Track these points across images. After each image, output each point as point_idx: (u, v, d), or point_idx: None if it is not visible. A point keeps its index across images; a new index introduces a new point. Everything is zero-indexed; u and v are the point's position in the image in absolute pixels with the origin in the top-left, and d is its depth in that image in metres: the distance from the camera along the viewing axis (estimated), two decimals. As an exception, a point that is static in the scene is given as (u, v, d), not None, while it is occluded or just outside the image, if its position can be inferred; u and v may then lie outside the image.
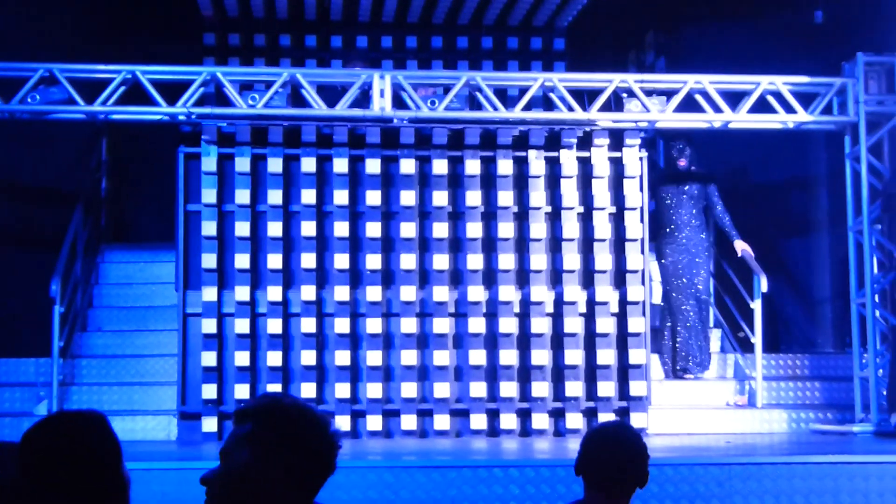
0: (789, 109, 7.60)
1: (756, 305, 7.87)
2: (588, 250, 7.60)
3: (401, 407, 7.35)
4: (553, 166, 7.64)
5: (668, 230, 7.96)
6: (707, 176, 7.97)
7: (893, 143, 7.69)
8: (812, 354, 8.37)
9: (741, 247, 7.86)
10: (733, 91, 7.68)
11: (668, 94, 7.58)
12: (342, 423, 7.35)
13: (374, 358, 7.35)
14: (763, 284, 7.74)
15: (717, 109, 7.57)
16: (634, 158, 7.63)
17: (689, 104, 7.61)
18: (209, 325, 7.28)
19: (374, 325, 7.38)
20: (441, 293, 7.44)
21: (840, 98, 7.69)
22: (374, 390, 7.32)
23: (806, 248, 9.00)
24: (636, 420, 7.31)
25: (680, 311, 7.95)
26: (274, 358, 7.30)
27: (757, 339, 7.84)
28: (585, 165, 7.66)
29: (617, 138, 7.66)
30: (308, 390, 7.29)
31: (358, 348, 7.35)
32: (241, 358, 7.28)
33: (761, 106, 7.57)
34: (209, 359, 7.25)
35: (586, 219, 7.62)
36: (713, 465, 5.40)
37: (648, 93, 7.54)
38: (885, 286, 7.65)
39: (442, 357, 7.40)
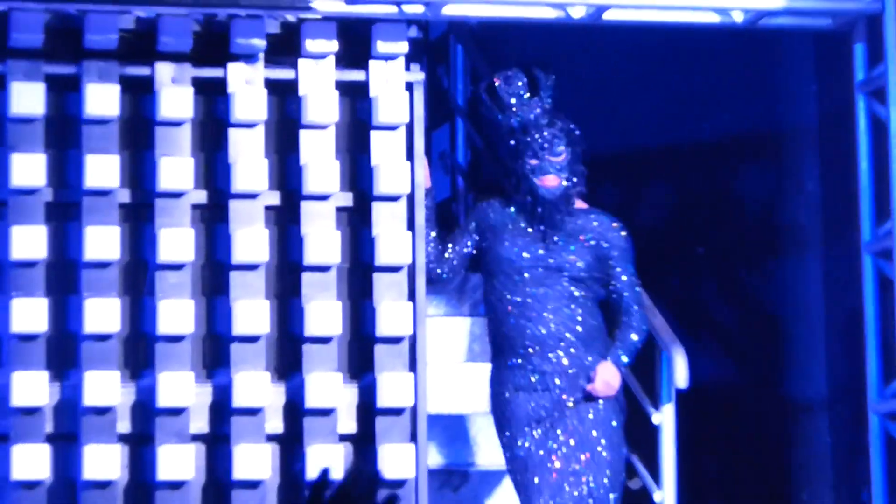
0: (735, -14, 6.26)
1: (664, 419, 6.23)
2: (290, 291, 5.88)
3: None
4: (211, 99, 6.02)
5: (502, 301, 6.04)
6: (604, 220, 6.23)
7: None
8: (788, 524, 7.21)
9: (604, 378, 5.97)
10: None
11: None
12: None
13: None
14: (680, 373, 6.11)
15: (579, -16, 6.17)
16: (395, 87, 6.09)
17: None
18: None
19: None
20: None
21: (842, -37, 6.36)
22: None
23: (772, 285, 7.43)
24: None
25: None
26: None
27: (667, 494, 6.24)
28: (285, 99, 6.11)
29: (357, 42, 6.13)
30: None
31: None
32: None
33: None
34: None
35: (285, 217, 6.01)
36: None
37: (428, -58, 6.14)
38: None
39: None
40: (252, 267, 5.71)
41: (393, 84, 6.01)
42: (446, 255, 5.98)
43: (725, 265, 7.65)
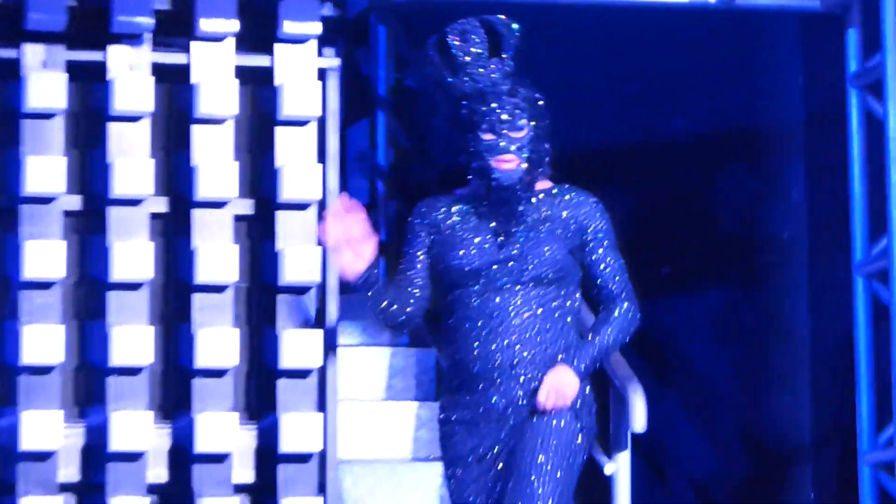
0: (713, -38, 6.09)
1: (618, 468, 6.03)
2: (178, 315, 5.67)
3: None
4: (88, 87, 5.80)
5: (454, 316, 5.39)
6: (574, 199, 5.68)
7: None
8: None
9: (553, 385, 5.39)
10: None
11: None
12: None
13: None
14: (638, 415, 5.93)
15: (520, -46, 5.88)
16: (306, 75, 5.91)
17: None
18: None
19: None
20: None
21: (831, -65, 6.19)
22: None
23: (750, 311, 7.26)
24: None
25: None
26: None
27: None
28: (176, 88, 5.88)
29: (260, 22, 5.90)
30: None
31: None
32: None
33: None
34: None
35: (174, 227, 5.76)
36: None
37: None
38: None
39: None
40: (134, 286, 5.44)
41: (302, 71, 5.75)
42: (412, 290, 5.49)
43: (695, 287, 7.38)
